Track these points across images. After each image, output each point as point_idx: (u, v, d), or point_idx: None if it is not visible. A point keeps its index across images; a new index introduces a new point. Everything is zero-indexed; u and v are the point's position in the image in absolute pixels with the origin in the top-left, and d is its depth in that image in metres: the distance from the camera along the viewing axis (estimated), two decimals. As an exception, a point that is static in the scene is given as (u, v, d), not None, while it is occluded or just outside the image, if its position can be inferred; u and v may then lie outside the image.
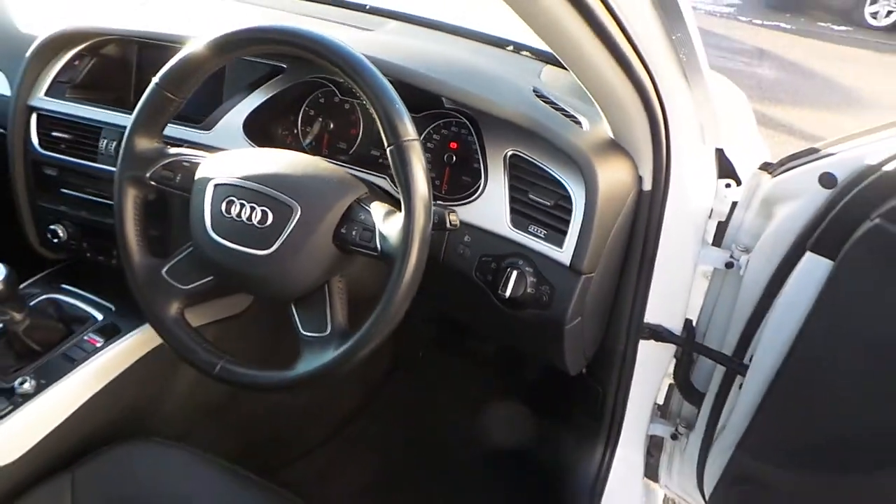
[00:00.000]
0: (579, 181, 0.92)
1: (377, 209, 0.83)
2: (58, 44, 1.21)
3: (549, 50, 1.31)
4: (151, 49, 1.25)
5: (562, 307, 0.91)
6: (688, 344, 1.21)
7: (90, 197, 1.21)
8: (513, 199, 0.96)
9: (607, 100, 0.88)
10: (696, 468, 1.33)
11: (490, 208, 0.96)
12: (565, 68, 1.27)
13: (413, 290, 0.77)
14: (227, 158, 0.89)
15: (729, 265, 1.11)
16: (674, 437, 1.37)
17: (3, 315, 1.08)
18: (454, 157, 1.06)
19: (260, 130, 1.14)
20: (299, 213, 0.82)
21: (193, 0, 1.43)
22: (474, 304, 0.97)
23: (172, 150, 0.93)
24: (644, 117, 0.89)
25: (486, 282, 0.95)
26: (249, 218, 0.83)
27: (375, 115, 0.79)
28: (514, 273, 0.91)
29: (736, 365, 1.15)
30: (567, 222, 0.92)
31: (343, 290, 0.86)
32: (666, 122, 0.92)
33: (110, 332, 1.17)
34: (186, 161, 0.91)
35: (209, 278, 0.90)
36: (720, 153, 1.10)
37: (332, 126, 1.17)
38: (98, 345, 1.14)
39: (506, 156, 0.98)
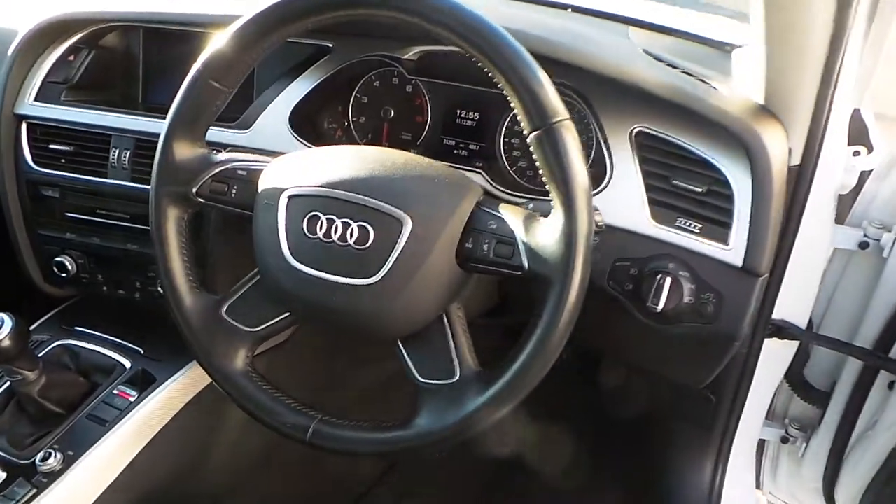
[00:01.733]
0: (736, 159, 0.74)
1: (509, 214, 0.63)
2: (48, 35, 0.99)
3: (610, 11, 1.14)
4: (158, 37, 1.04)
5: (734, 319, 0.73)
6: (815, 339, 1.05)
7: (102, 220, 1.00)
8: (650, 188, 0.77)
9: (784, 45, 0.69)
10: (821, 473, 1.18)
11: (620, 200, 0.77)
12: (649, 28, 1.10)
13: (577, 315, 0.59)
14: (299, 162, 0.69)
15: (863, 245, 0.95)
16: (784, 440, 1.22)
17: (14, 376, 0.87)
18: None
19: (309, 125, 0.94)
20: (410, 226, 0.62)
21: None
22: (605, 322, 0.79)
23: (221, 157, 0.73)
24: (819, 70, 0.71)
25: (625, 292, 0.76)
26: (343, 238, 0.63)
27: (512, 94, 0.59)
28: (668, 280, 0.72)
29: (882, 360, 0.99)
30: (728, 212, 0.74)
31: (464, 319, 0.67)
32: (838, 78, 0.74)
33: (144, 382, 0.97)
34: (242, 168, 0.71)
35: (284, 316, 0.71)
36: (857, 114, 0.92)
37: (392, 114, 0.97)
38: (132, 399, 0.94)
39: (631, 133, 0.79)
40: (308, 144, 0.91)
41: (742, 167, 0.73)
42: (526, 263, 0.60)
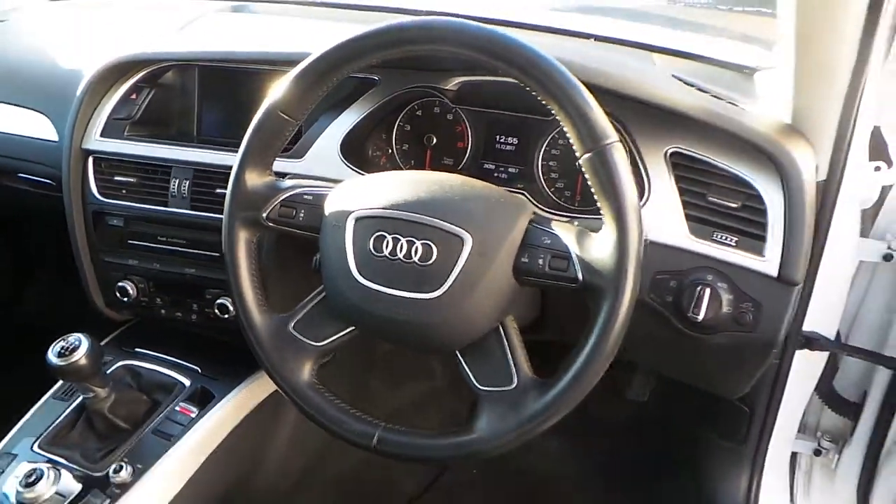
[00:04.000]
0: (767, 175, 0.79)
1: (562, 230, 0.69)
2: (113, 75, 1.07)
3: (633, 39, 1.20)
4: (212, 74, 1.11)
5: (772, 327, 0.77)
6: (845, 350, 1.08)
7: (162, 246, 1.06)
8: (686, 205, 0.82)
9: (811, 69, 0.74)
10: (855, 485, 1.19)
11: (659, 217, 0.82)
12: (671, 54, 1.16)
13: (627, 323, 0.63)
14: (361, 187, 0.75)
15: (887, 257, 0.99)
16: (817, 452, 1.23)
17: (88, 393, 0.93)
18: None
19: (356, 153, 1.00)
20: (470, 243, 0.67)
21: (236, 20, 1.29)
22: (646, 333, 0.83)
23: (288, 183, 0.78)
24: (843, 91, 0.76)
25: (666, 304, 0.81)
26: (408, 255, 0.69)
27: (564, 118, 0.65)
28: (707, 291, 0.77)
29: (916, 371, 1.02)
30: (762, 225, 0.78)
31: (518, 330, 0.72)
32: (861, 98, 0.79)
33: (203, 399, 1.02)
34: (308, 194, 0.77)
35: (348, 330, 0.76)
36: (877, 132, 0.97)
37: (434, 141, 1.03)
38: (193, 415, 0.99)
39: (666, 154, 0.84)
40: (358, 170, 0.97)
41: (773, 183, 0.78)
42: (580, 275, 0.65)
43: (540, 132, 0.97)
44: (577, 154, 0.65)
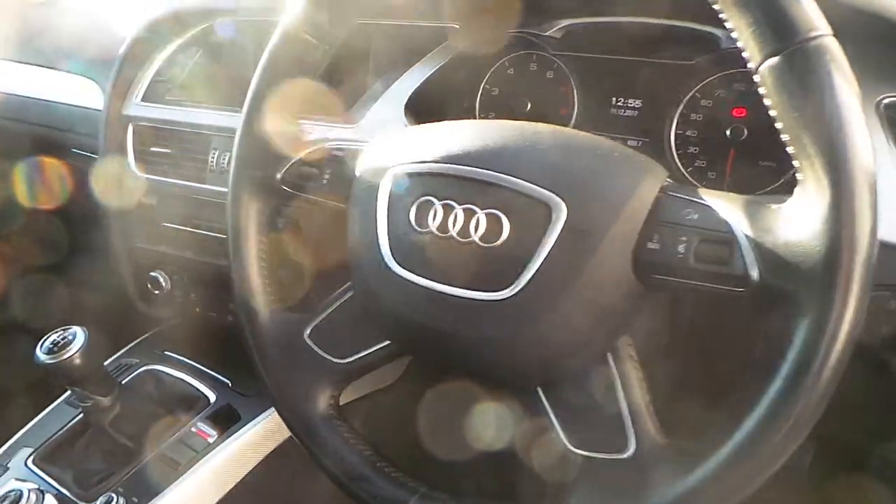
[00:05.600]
0: None
1: (718, 200, 0.42)
2: (159, 33, 0.92)
3: None
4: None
5: None
6: None
7: (197, 231, 0.89)
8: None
9: None
10: None
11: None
12: None
13: (847, 358, 0.35)
14: (410, 136, 0.52)
15: None
16: None
17: (85, 400, 0.76)
18: (744, 132, 0.64)
19: (427, 118, 0.78)
20: (565, 215, 0.42)
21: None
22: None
23: (314, 135, 0.57)
24: None
25: (884, 341, 0.50)
26: (465, 231, 0.44)
27: (736, 8, 0.38)
28: None
29: None
30: None
31: (637, 362, 0.45)
32: None
33: (227, 420, 0.82)
34: (340, 149, 0.55)
35: (381, 345, 0.52)
36: None
37: (529, 107, 0.78)
38: (210, 440, 0.79)
39: (879, 106, 0.55)
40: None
41: None
42: (755, 272, 0.38)
43: (674, 91, 0.70)
44: (752, 64, 0.38)
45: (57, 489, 0.75)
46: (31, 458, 0.80)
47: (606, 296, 0.42)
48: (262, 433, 0.82)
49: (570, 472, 0.44)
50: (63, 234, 1.20)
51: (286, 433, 0.85)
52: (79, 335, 0.73)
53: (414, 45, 0.79)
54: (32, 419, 0.87)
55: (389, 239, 0.48)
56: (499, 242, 0.43)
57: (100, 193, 0.94)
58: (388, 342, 0.52)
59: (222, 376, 0.88)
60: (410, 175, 0.48)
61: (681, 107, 0.69)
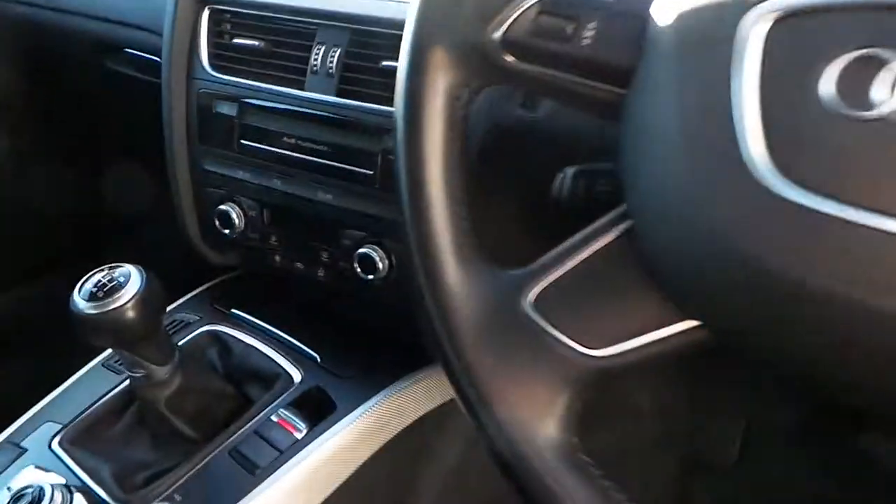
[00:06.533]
0: None
1: None
2: None
3: None
4: None
5: None
6: None
7: (288, 153, 0.67)
8: None
9: None
10: None
11: None
12: None
13: None
14: None
15: None
16: None
17: (136, 369, 0.55)
18: None
19: None
20: None
21: None
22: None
23: None
24: None
25: None
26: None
27: None
28: None
29: None
30: None
31: None
32: None
33: (318, 409, 0.61)
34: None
35: (684, 327, 0.30)
36: None
37: None
38: (297, 434, 0.58)
39: None
40: None
41: None
42: None
43: None
44: None
45: (90, 487, 0.54)
46: (57, 437, 0.59)
47: None
48: (367, 428, 0.60)
49: None
50: (111, 151, 0.99)
51: (397, 427, 0.63)
52: (133, 277, 0.51)
53: None
54: (58, 385, 0.67)
55: (767, 131, 0.25)
56: None
57: (162, 101, 0.73)
58: (697, 322, 0.29)
59: (308, 348, 0.66)
60: (820, 9, 0.24)
61: None
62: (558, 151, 0.46)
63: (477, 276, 0.34)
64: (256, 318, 0.71)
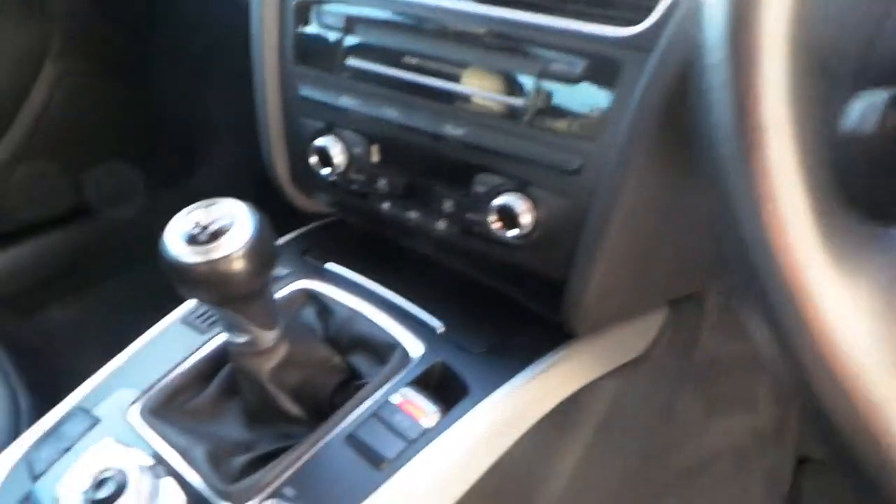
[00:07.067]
0: None
1: None
2: None
3: None
4: None
5: None
6: None
7: (409, 77, 0.54)
8: None
9: None
10: None
11: None
12: None
13: None
14: None
15: None
16: None
17: (239, 333, 0.45)
18: None
19: None
20: None
21: None
22: None
23: None
24: None
25: None
26: None
27: None
28: None
29: None
30: None
31: None
32: None
33: (449, 391, 0.50)
34: None
35: None
36: None
37: None
38: (426, 421, 0.47)
39: None
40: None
41: None
42: None
43: None
44: None
45: (179, 474, 0.44)
46: (135, 407, 0.49)
47: None
48: (511, 411, 0.49)
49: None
50: (190, 70, 0.87)
51: (534, 417, 0.52)
52: (243, 217, 0.40)
53: None
54: (131, 341, 0.57)
55: None
56: None
57: (252, 11, 0.60)
58: None
59: (431, 313, 0.55)
60: None
61: None
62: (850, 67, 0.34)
63: (847, 239, 0.22)
64: (362, 273, 0.60)
